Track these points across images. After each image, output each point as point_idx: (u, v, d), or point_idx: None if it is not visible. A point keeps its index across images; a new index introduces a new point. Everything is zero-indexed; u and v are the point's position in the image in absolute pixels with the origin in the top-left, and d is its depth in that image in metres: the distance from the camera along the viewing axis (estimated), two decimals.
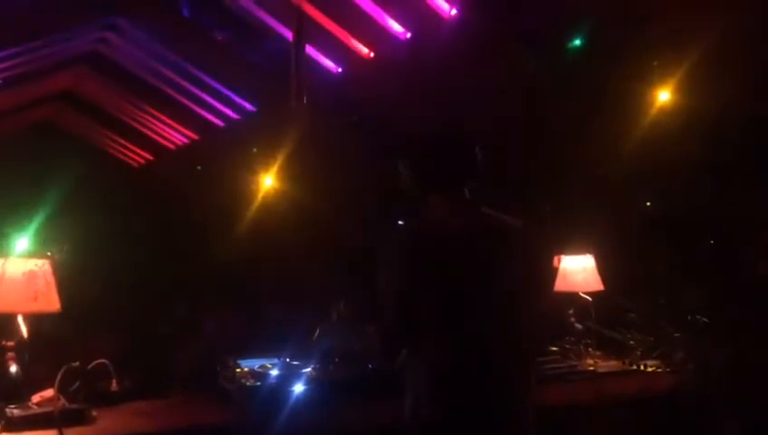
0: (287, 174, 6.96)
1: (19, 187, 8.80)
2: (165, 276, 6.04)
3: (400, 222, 2.43)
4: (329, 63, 6.06)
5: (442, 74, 5.14)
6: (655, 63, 4.22)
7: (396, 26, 5.31)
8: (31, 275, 2.58)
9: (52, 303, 2.63)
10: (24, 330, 2.55)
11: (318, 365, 2.95)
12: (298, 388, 2.73)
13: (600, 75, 4.35)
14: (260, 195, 7.04)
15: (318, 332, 3.25)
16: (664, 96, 4.18)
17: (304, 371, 2.89)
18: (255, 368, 2.92)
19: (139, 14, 6.47)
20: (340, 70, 6.07)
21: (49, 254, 8.79)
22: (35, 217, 8.85)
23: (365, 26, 5.50)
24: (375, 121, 6.19)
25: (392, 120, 5.84)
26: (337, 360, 3.03)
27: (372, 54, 5.71)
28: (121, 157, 9.92)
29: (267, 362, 3.00)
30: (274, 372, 2.86)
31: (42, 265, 2.63)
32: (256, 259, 5.92)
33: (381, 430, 2.56)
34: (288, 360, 3.00)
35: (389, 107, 5.91)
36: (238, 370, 2.89)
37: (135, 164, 9.91)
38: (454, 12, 4.80)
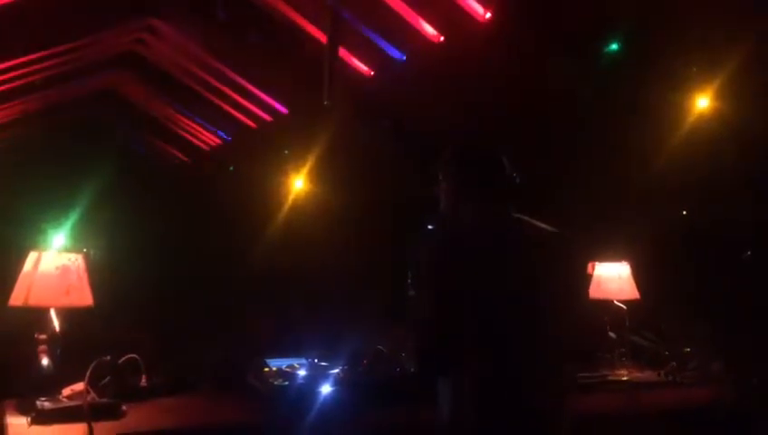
0: (318, 176, 6.98)
1: (57, 184, 8.97)
2: (196, 275, 6.09)
3: (432, 230, 2.40)
4: (362, 66, 6.06)
5: (475, 79, 5.09)
6: (694, 69, 4.13)
7: (429, 30, 5.29)
8: (64, 270, 2.60)
9: (84, 297, 2.65)
10: (56, 324, 2.57)
11: (346, 367, 2.93)
12: (325, 389, 2.71)
13: (640, 80, 4.27)
14: (291, 196, 7.07)
15: (347, 333, 3.23)
16: (703, 103, 4.09)
17: (332, 372, 2.87)
18: (283, 368, 2.91)
19: (174, 16, 6.56)
20: (372, 73, 6.07)
21: (85, 250, 8.91)
22: (72, 213, 9.02)
23: (398, 30, 5.48)
24: (406, 125, 6.17)
25: (424, 125, 5.81)
26: (365, 362, 3.00)
27: (405, 58, 5.70)
28: (157, 157, 10.05)
29: (295, 363, 2.99)
30: (302, 373, 2.85)
31: (75, 260, 2.65)
32: (287, 260, 5.94)
33: (410, 433, 2.53)
34: (316, 360, 2.99)
35: (421, 111, 5.88)
36: (266, 369, 2.88)
37: (170, 164, 10.04)
38: (488, 15, 4.76)
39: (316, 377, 2.79)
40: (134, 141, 10.02)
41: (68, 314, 2.68)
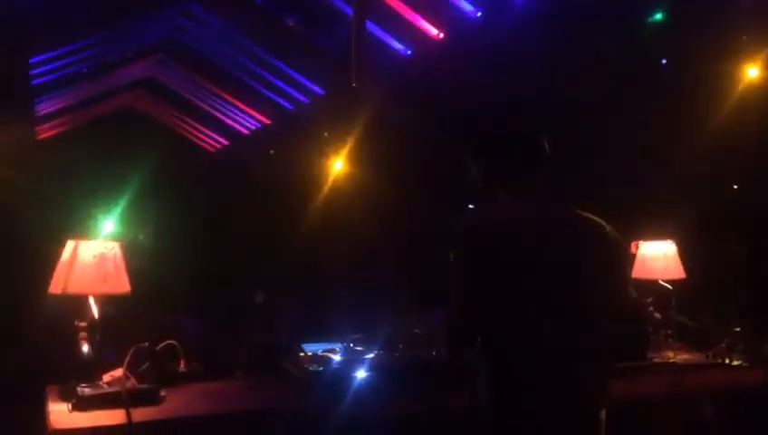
0: (357, 158, 6.94)
1: (103, 172, 9.16)
2: (237, 260, 6.16)
3: (469, 215, 2.34)
4: (398, 46, 5.99)
5: (514, 56, 4.96)
6: (744, 38, 3.94)
7: (467, 6, 5.18)
8: (101, 259, 2.63)
9: (121, 285, 2.68)
10: (95, 311, 2.60)
11: (381, 351, 2.90)
12: (360, 374, 2.69)
13: (686, 53, 4.10)
14: (330, 179, 7.06)
15: (383, 317, 3.20)
16: (753, 73, 3.90)
17: (367, 356, 2.85)
18: (319, 353, 2.90)
19: (212, 2, 6.58)
20: (409, 52, 5.99)
21: (137, 237, 9.07)
22: (120, 201, 9.22)
23: (435, 7, 5.39)
24: (445, 105, 6.07)
25: (463, 104, 5.71)
26: (401, 346, 2.97)
27: (442, 36, 5.60)
28: (198, 142, 10.17)
29: (331, 347, 2.98)
30: (337, 358, 2.84)
31: (112, 249, 2.68)
32: (325, 243, 5.94)
33: (445, 418, 2.50)
34: (352, 345, 2.97)
35: (459, 90, 5.77)
36: (302, 354, 2.88)
37: (212, 149, 10.15)
38: None
39: (351, 362, 2.78)
40: (175, 128, 10.16)
41: (111, 300, 2.73)
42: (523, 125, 2.23)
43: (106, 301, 2.66)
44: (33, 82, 6.91)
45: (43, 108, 8.25)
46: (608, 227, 2.15)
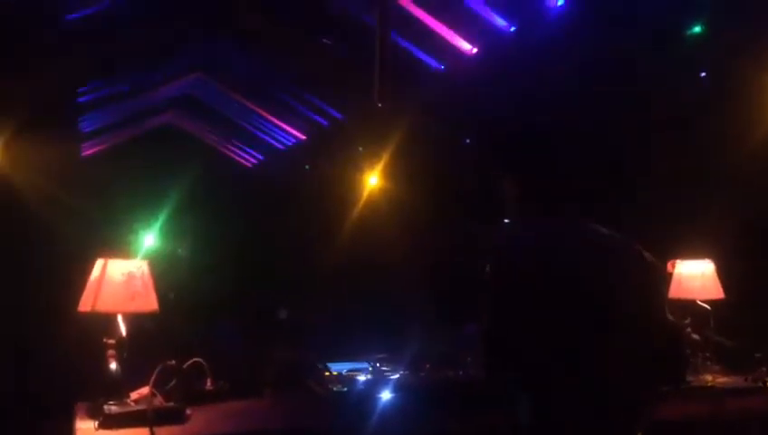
0: (392, 174, 6.94)
1: (144, 187, 9.36)
2: (270, 274, 6.19)
3: (502, 231, 2.30)
4: (431, 61, 5.98)
5: (548, 70, 4.89)
6: None
7: (500, 21, 5.14)
8: (129, 277, 2.67)
9: (149, 303, 2.71)
10: (123, 329, 2.64)
11: (407, 372, 2.87)
12: (386, 395, 2.66)
13: (724, 62, 3.99)
14: (365, 194, 7.07)
15: (410, 335, 3.17)
16: None
17: (393, 377, 2.82)
18: (344, 372, 2.88)
19: (246, 23, 6.69)
20: (442, 67, 5.97)
21: (176, 250, 9.24)
22: (158, 215, 9.40)
23: (468, 22, 5.36)
24: (478, 122, 6.03)
25: (493, 121, 5.66)
26: (428, 366, 2.93)
27: (475, 51, 5.57)
28: (235, 158, 10.31)
29: (356, 366, 2.95)
30: (362, 378, 2.81)
31: (140, 267, 2.72)
32: (358, 259, 5.93)
33: None
34: (378, 365, 2.94)
35: (492, 106, 5.73)
36: (327, 373, 2.86)
37: (248, 164, 10.27)
38: (561, 2, 4.57)
39: (376, 383, 2.75)
40: (213, 144, 10.32)
41: (141, 317, 2.76)
42: (555, 140, 2.19)
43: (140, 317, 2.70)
44: (78, 99, 7.11)
45: (87, 126, 8.47)
46: (641, 249, 2.09)
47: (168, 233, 9.91)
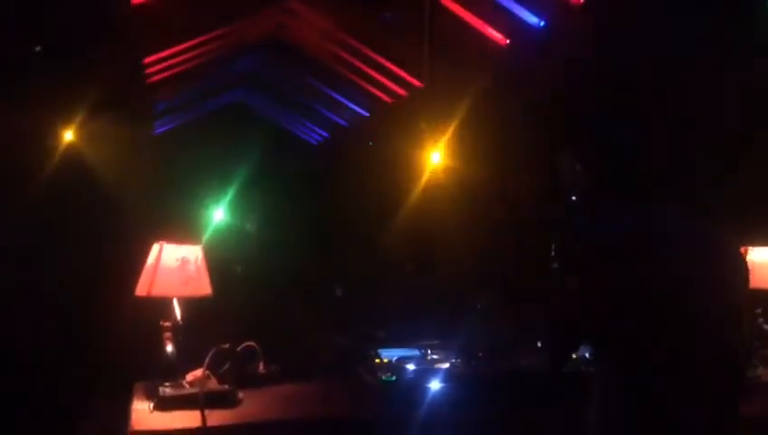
0: (455, 151, 6.82)
1: (214, 163, 9.59)
2: (328, 257, 6.23)
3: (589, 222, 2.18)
4: (496, 35, 5.80)
5: (622, 48, 4.65)
6: None
7: None
8: (183, 262, 2.72)
9: (203, 287, 2.76)
10: (178, 312, 2.70)
11: (458, 360, 2.82)
12: (435, 385, 2.62)
13: None
14: (427, 172, 6.98)
15: (462, 322, 3.11)
16: None
17: (443, 366, 2.78)
18: (394, 360, 2.86)
19: None
20: (508, 41, 5.79)
21: (245, 226, 9.48)
22: (227, 191, 9.63)
23: None
24: (548, 99, 5.82)
25: (566, 98, 5.45)
26: (480, 354, 2.88)
27: (543, 23, 5.37)
28: (300, 134, 10.40)
29: (407, 354, 2.92)
30: (411, 367, 2.78)
31: (193, 251, 2.77)
32: (418, 239, 5.89)
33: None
34: (429, 351, 2.91)
35: (563, 82, 5.51)
36: (377, 360, 2.85)
37: (314, 141, 10.34)
38: None
39: (425, 372, 2.71)
40: (279, 121, 10.43)
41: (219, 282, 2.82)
42: (625, 127, 2.04)
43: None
44: (150, 79, 7.30)
45: (160, 105, 8.71)
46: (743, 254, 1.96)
47: (237, 208, 10.14)
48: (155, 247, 2.74)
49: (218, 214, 10.08)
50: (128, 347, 3.69)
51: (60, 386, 3.94)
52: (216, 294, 2.81)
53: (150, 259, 2.73)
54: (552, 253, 1.98)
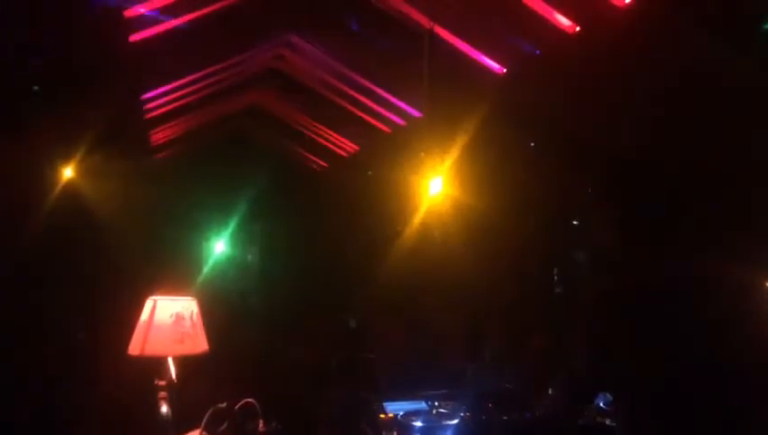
0: (455, 180, 6.74)
1: (216, 192, 9.54)
2: (332, 283, 6.12)
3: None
4: (492, 64, 5.76)
5: (617, 73, 4.60)
6: None
7: (563, 20, 4.88)
8: (178, 318, 2.63)
9: (198, 345, 2.67)
10: (173, 371, 2.60)
11: (468, 413, 2.70)
12: None
13: None
14: (426, 202, 6.89)
15: (470, 371, 3.00)
16: None
17: (452, 422, 2.66)
18: (399, 416, 2.74)
19: (311, 31, 6.66)
20: (505, 70, 5.75)
21: (246, 257, 9.39)
22: (228, 222, 9.55)
23: (529, 23, 5.13)
24: (547, 127, 5.76)
25: (567, 125, 5.39)
26: (490, 405, 2.76)
27: (538, 52, 5.33)
28: (301, 165, 10.35)
29: (415, 407, 2.81)
30: (418, 424, 2.66)
31: (188, 307, 2.67)
32: (418, 274, 5.78)
33: None
34: (436, 404, 2.79)
35: (562, 109, 5.46)
36: (382, 415, 2.73)
37: (313, 170, 10.29)
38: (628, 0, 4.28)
39: (434, 429, 2.59)
40: (279, 152, 10.38)
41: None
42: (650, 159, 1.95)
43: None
44: (148, 115, 7.26)
45: (157, 138, 8.66)
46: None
47: (238, 239, 10.05)
48: (148, 303, 2.65)
49: (220, 245, 10.01)
50: (120, 408, 3.57)
51: None
52: (214, 339, 2.71)
53: (144, 316, 2.64)
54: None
